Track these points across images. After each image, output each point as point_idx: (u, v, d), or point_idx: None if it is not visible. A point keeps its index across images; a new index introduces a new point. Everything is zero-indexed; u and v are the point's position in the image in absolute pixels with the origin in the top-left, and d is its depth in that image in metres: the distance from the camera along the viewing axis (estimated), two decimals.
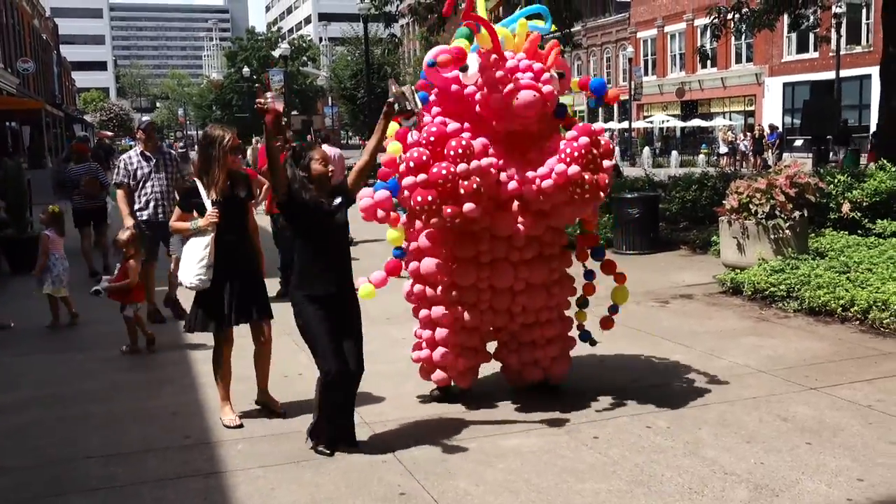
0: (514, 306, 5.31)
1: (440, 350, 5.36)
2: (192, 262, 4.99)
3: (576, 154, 4.86)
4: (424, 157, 4.77)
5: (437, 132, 4.87)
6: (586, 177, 4.85)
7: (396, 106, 4.70)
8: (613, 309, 5.85)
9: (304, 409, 5.17)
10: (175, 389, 6.00)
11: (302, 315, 4.65)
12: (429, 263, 5.23)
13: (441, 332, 5.33)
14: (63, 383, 6.23)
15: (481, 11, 5.23)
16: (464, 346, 5.38)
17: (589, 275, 5.84)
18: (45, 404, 5.72)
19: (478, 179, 4.75)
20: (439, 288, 5.27)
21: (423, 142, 4.85)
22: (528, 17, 5.47)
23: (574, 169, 4.83)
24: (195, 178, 5.22)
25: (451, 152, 4.74)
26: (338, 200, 4.67)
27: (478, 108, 5.12)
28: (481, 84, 5.05)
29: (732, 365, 6.23)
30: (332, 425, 4.68)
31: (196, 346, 6.88)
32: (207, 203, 5.08)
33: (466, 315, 5.25)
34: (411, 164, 4.79)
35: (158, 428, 5.19)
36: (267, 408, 5.37)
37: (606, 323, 5.87)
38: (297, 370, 6.17)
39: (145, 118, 8.05)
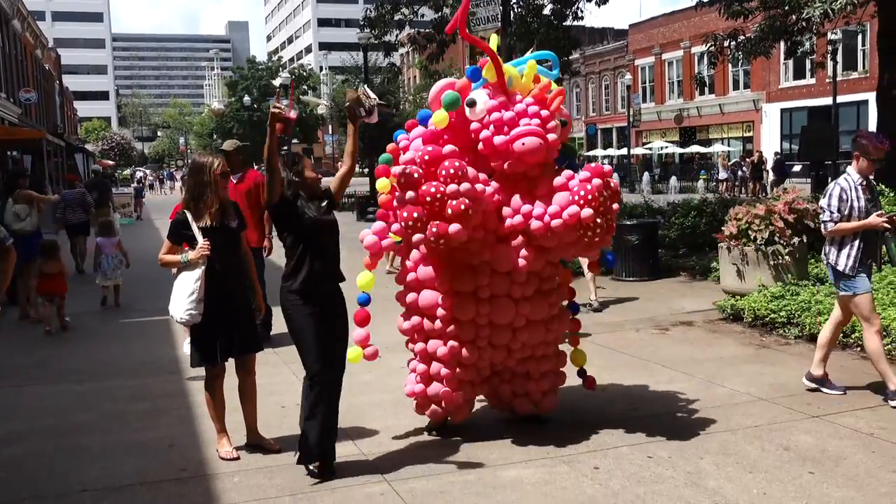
0: (514, 343, 5.23)
1: (435, 385, 5.27)
2: (183, 296, 4.89)
3: (589, 197, 4.77)
4: (416, 175, 4.75)
5: (433, 153, 4.84)
6: (598, 220, 4.80)
7: (356, 111, 4.91)
8: (582, 372, 5.81)
9: None
10: (171, 420, 5.95)
11: (293, 316, 4.73)
12: (428, 296, 5.14)
13: (437, 367, 5.24)
14: (59, 415, 6.16)
15: (492, 45, 5.19)
16: (460, 380, 5.27)
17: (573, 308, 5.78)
18: (41, 436, 5.67)
19: (467, 201, 4.68)
20: (437, 322, 5.17)
21: (418, 160, 4.82)
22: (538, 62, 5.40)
23: (588, 212, 4.75)
24: (183, 209, 5.07)
25: (444, 172, 4.70)
26: (324, 203, 4.90)
27: (480, 145, 5.05)
28: (486, 122, 4.99)
29: (734, 393, 6.18)
30: (319, 432, 4.67)
31: (192, 377, 6.83)
32: (198, 235, 4.96)
33: (465, 351, 5.15)
34: (402, 180, 4.78)
35: (154, 460, 5.13)
36: (260, 448, 5.20)
37: (591, 384, 5.83)
38: (294, 400, 6.10)
39: None
